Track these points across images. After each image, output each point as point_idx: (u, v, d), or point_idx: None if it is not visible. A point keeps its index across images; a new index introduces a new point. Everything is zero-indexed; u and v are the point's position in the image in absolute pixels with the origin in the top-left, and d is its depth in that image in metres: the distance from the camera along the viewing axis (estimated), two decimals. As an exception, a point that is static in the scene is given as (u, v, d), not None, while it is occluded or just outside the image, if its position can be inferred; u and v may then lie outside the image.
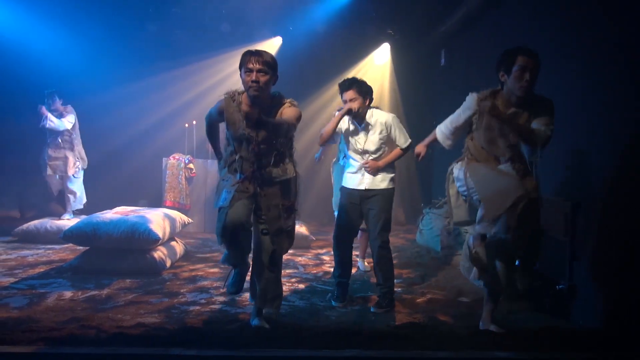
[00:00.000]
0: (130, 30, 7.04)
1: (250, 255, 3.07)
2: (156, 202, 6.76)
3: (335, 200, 4.46)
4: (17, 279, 4.17)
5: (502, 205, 2.74)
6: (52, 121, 5.82)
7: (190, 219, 5.34)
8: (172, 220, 4.82)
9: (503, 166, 2.89)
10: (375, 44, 7.70)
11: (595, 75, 3.31)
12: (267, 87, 2.82)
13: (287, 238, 3.05)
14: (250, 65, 2.77)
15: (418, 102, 7.81)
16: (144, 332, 2.86)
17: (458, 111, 3.07)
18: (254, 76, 2.76)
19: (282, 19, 7.24)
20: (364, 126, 3.61)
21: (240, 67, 2.85)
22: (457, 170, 3.07)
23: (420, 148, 3.36)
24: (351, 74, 7.80)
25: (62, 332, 2.77)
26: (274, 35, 7.59)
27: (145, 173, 7.32)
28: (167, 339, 2.71)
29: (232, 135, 2.92)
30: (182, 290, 3.93)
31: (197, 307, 3.51)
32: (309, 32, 7.24)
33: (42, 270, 4.51)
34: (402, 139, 3.63)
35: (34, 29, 6.60)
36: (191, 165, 6.82)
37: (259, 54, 2.80)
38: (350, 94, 3.52)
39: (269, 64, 2.79)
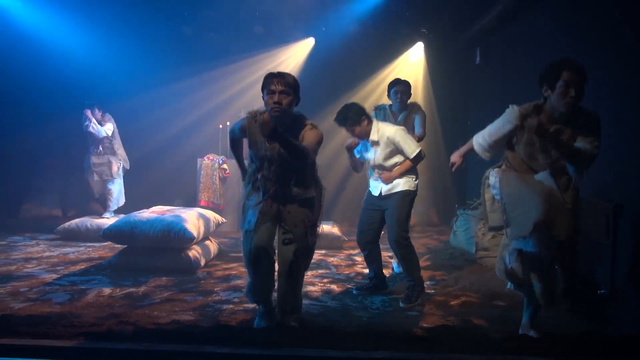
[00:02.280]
0: (166, 33, 7.20)
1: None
2: (191, 201, 6.89)
3: None
4: (59, 276, 4.33)
5: (525, 227, 2.64)
6: (94, 126, 6.09)
7: (224, 219, 5.41)
8: (207, 220, 4.90)
9: (541, 175, 2.76)
10: (409, 43, 7.62)
11: None
12: (289, 108, 2.85)
13: (309, 254, 3.07)
14: (273, 87, 2.80)
15: (452, 102, 7.70)
16: (179, 329, 2.92)
17: (497, 124, 2.86)
18: (276, 97, 2.79)
19: (315, 19, 7.26)
20: (370, 144, 3.74)
21: (262, 89, 2.89)
22: (493, 177, 2.98)
23: (455, 158, 3.23)
24: (384, 74, 7.78)
25: (101, 327, 2.86)
26: (307, 36, 7.61)
27: (180, 173, 7.46)
28: (202, 337, 2.76)
29: (255, 154, 2.97)
30: (216, 289, 3.99)
31: (231, 306, 3.55)
32: (342, 32, 7.23)
33: (82, 267, 4.67)
34: (410, 151, 3.65)
35: (75, 34, 6.83)
36: (225, 166, 6.92)
37: (282, 75, 2.84)
38: (346, 130, 3.69)
39: (291, 85, 2.83)
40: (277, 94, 2.79)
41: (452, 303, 3.70)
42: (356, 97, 7.69)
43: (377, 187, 3.80)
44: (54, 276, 4.30)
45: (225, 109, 7.49)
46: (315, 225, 3.07)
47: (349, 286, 4.15)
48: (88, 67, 6.89)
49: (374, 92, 7.80)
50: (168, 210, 4.92)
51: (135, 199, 6.62)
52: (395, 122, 4.71)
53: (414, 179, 3.74)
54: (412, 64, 7.83)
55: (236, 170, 6.92)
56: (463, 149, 3.19)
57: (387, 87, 4.85)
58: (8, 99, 6.76)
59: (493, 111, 6.82)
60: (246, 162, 3.23)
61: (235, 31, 7.27)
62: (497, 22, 5.95)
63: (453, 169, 3.27)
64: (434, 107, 7.76)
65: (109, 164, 6.28)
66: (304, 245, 2.96)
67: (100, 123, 6.22)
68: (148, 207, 5.19)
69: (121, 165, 6.40)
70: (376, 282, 3.95)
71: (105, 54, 7.04)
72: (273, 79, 2.82)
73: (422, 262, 5.00)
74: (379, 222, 3.84)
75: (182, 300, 3.68)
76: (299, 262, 2.95)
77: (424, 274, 4.51)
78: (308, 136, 2.89)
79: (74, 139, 6.49)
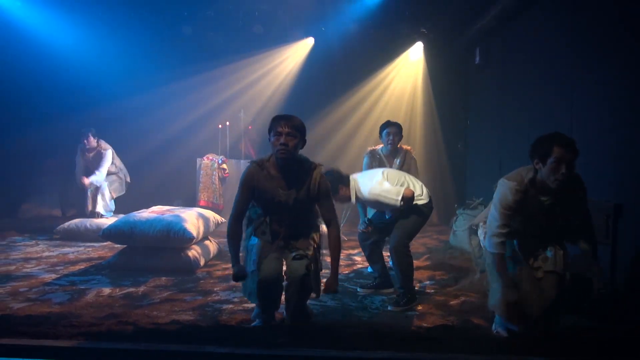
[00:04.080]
0: (164, 33, 7.19)
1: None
2: (190, 201, 6.89)
3: None
4: (58, 275, 4.33)
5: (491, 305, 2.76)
6: (94, 182, 6.22)
7: (223, 219, 5.40)
8: (206, 220, 4.90)
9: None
10: (409, 43, 7.62)
11: None
12: (295, 150, 2.87)
13: (318, 278, 3.04)
14: (280, 129, 2.82)
15: (452, 102, 7.71)
16: (179, 329, 2.91)
17: (500, 210, 2.72)
18: (282, 139, 2.81)
19: (315, 19, 7.25)
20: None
21: (269, 131, 2.90)
22: (480, 230, 3.02)
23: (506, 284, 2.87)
24: (384, 74, 7.78)
25: (101, 327, 2.85)
26: (306, 36, 7.61)
27: (180, 173, 7.46)
28: (201, 337, 2.76)
29: (264, 202, 2.97)
30: (215, 289, 3.99)
31: (230, 306, 3.55)
32: (342, 32, 7.22)
33: (82, 267, 4.67)
34: (393, 202, 3.59)
35: (75, 34, 6.84)
36: (224, 166, 6.92)
37: (289, 118, 2.87)
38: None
39: (297, 127, 2.85)
40: (284, 136, 2.81)
41: (452, 303, 3.70)
42: (356, 97, 7.72)
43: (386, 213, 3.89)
44: (54, 276, 4.30)
45: (224, 109, 7.50)
46: (319, 254, 3.10)
47: (349, 286, 4.15)
48: (88, 67, 6.89)
49: (374, 92, 7.81)
50: (167, 210, 4.91)
51: (135, 199, 6.61)
52: (392, 167, 4.71)
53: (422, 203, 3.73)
54: (411, 63, 7.83)
55: (235, 170, 6.94)
56: (502, 269, 2.83)
57: (379, 129, 4.80)
58: (8, 99, 6.76)
59: (493, 111, 6.84)
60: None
61: (235, 31, 7.26)
62: (497, 22, 5.95)
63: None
64: (433, 107, 7.76)
65: (119, 180, 6.49)
66: (316, 266, 2.98)
67: (99, 151, 6.31)
68: (148, 207, 5.19)
69: (123, 181, 6.56)
70: (381, 280, 3.96)
71: (105, 54, 7.04)
72: (280, 121, 2.85)
73: (422, 262, 5.02)
74: (388, 230, 3.84)
75: (181, 300, 3.68)
76: (310, 276, 2.92)
77: (424, 274, 4.52)
78: (325, 190, 2.97)
79: (74, 139, 6.48)
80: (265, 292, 2.87)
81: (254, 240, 3.01)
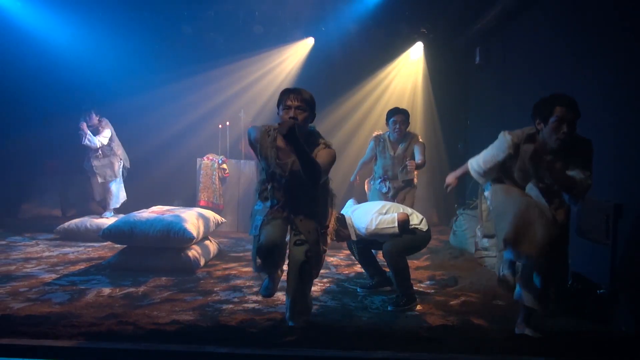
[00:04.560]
0: (165, 33, 7.19)
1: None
2: (190, 201, 6.89)
3: None
4: (58, 275, 4.33)
5: (511, 240, 2.70)
6: (89, 139, 6.11)
7: (223, 219, 5.41)
8: (206, 220, 4.90)
9: (531, 189, 2.80)
10: (409, 43, 7.61)
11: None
12: (304, 124, 2.86)
13: (320, 260, 3.07)
14: (289, 102, 2.82)
15: (452, 102, 7.70)
16: (179, 329, 2.92)
17: (491, 151, 2.91)
18: (292, 112, 2.80)
19: (315, 19, 7.25)
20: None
21: (278, 105, 2.90)
22: (487, 190, 3.03)
23: (450, 179, 3.29)
24: (384, 73, 7.78)
25: (101, 327, 2.86)
26: (306, 36, 7.60)
27: (180, 173, 7.46)
28: (201, 336, 2.76)
29: (265, 167, 2.98)
30: (215, 289, 3.99)
31: (231, 306, 3.55)
32: (342, 32, 7.22)
33: (82, 267, 4.67)
34: (392, 231, 3.58)
35: (75, 34, 6.83)
36: (225, 166, 6.92)
37: (298, 91, 2.85)
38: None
39: (307, 101, 2.84)
40: (294, 109, 2.80)
41: (452, 303, 3.70)
42: (355, 97, 7.72)
43: None
44: (54, 276, 4.30)
45: (224, 109, 7.49)
46: (326, 234, 3.09)
47: (349, 286, 4.15)
48: (88, 67, 6.88)
49: (374, 92, 7.80)
50: (167, 210, 4.92)
51: (135, 198, 6.61)
52: (395, 154, 4.74)
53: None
54: (412, 62, 7.82)
55: (235, 170, 6.94)
56: (458, 171, 3.22)
57: (385, 115, 4.83)
58: (8, 99, 6.75)
59: (493, 111, 6.85)
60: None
61: (235, 31, 7.26)
62: (497, 22, 5.95)
63: (448, 190, 3.33)
64: (433, 107, 7.76)
65: (111, 165, 6.31)
66: (317, 250, 2.98)
67: (97, 128, 6.24)
68: (148, 207, 5.19)
69: (122, 165, 6.42)
70: (379, 279, 3.96)
71: (105, 54, 7.03)
72: (290, 94, 2.84)
73: (422, 262, 5.02)
74: (378, 244, 3.82)
75: (181, 300, 3.68)
76: (310, 264, 2.94)
77: (424, 274, 4.53)
78: (321, 155, 2.90)
79: (74, 139, 6.48)
80: (265, 257, 2.89)
81: (259, 205, 3.02)
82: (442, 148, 7.77)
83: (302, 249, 2.92)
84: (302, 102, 2.81)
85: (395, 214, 3.58)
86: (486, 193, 3.04)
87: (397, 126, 4.64)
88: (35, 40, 6.70)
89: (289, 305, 3.02)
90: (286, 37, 7.50)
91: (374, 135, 4.95)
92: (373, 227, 3.54)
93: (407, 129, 4.83)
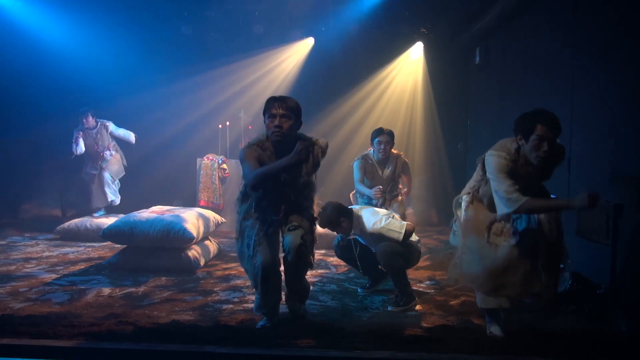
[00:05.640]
0: (165, 33, 7.19)
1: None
2: (190, 201, 6.89)
3: None
4: (58, 275, 4.33)
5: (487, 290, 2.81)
6: (79, 149, 6.26)
7: (223, 219, 5.41)
8: (206, 220, 4.90)
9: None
10: (409, 43, 7.62)
11: None
12: (290, 132, 2.86)
13: (312, 246, 3.10)
14: (274, 111, 2.83)
15: (452, 102, 7.70)
16: (179, 329, 2.92)
17: (501, 175, 2.70)
18: (277, 121, 2.82)
19: (315, 19, 7.25)
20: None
21: (264, 113, 2.90)
22: (463, 203, 3.03)
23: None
24: (384, 74, 7.78)
25: (101, 327, 2.86)
26: (307, 36, 7.60)
27: (180, 173, 7.46)
28: (201, 337, 2.76)
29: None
30: (215, 289, 3.99)
31: (230, 306, 3.55)
32: (342, 32, 7.22)
33: (82, 267, 4.67)
34: (396, 237, 3.60)
35: (75, 34, 6.83)
36: (225, 166, 6.92)
37: (283, 99, 2.86)
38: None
39: (292, 109, 2.85)
40: (279, 118, 2.81)
41: (452, 303, 3.70)
42: (356, 97, 7.72)
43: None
44: (54, 276, 4.30)
45: (224, 109, 7.50)
46: (314, 224, 3.14)
47: (349, 286, 4.15)
48: (88, 67, 6.88)
49: (374, 92, 7.80)
50: (168, 210, 4.92)
51: (135, 199, 6.61)
52: (382, 174, 4.68)
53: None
54: (411, 62, 7.83)
55: (236, 170, 6.93)
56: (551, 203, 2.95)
57: (370, 136, 4.78)
58: (8, 99, 6.75)
59: (493, 111, 6.84)
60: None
61: (235, 31, 7.26)
62: (497, 22, 5.95)
63: None
64: (433, 107, 7.75)
65: (119, 162, 6.50)
66: (310, 238, 3.02)
67: (96, 130, 6.31)
68: (148, 207, 5.19)
69: (121, 163, 6.56)
70: (375, 275, 3.96)
71: (105, 54, 7.03)
72: (275, 102, 2.85)
73: (422, 262, 5.00)
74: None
75: (181, 300, 3.68)
76: (307, 246, 2.96)
77: (424, 274, 4.52)
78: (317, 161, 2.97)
79: (72, 139, 6.49)
80: (264, 280, 2.90)
81: (250, 222, 3.00)
82: (442, 148, 7.77)
83: (298, 233, 2.93)
84: (287, 110, 2.82)
85: (405, 223, 3.65)
86: (462, 205, 3.04)
87: (382, 147, 4.59)
88: (35, 40, 6.70)
89: (287, 291, 3.08)
90: (286, 37, 7.50)
91: (361, 154, 4.85)
92: (381, 225, 3.58)
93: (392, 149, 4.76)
